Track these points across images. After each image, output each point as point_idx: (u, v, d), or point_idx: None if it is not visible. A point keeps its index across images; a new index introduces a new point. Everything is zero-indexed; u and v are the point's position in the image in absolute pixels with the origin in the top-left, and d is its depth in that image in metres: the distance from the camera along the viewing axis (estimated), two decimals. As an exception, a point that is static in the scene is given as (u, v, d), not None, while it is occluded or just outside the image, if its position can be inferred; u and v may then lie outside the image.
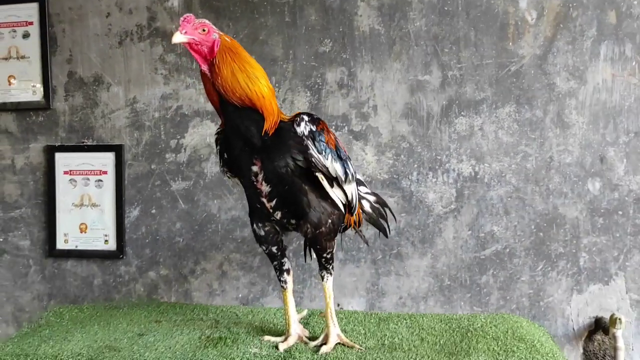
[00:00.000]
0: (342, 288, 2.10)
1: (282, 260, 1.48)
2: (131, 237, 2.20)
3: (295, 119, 1.34)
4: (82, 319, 1.66)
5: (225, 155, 1.45)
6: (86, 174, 2.21)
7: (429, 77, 2.04)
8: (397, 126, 2.07)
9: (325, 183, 1.35)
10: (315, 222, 1.38)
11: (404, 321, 1.63)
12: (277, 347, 1.39)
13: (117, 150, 2.19)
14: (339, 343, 1.44)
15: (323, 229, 1.39)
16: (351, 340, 1.46)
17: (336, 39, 2.07)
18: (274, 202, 1.38)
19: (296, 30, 2.09)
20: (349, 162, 1.42)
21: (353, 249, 2.09)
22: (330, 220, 1.41)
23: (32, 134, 2.25)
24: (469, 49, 2.02)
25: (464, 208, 2.05)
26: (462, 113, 2.03)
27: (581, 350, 2.02)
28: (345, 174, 1.38)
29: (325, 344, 1.42)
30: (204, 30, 1.30)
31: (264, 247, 1.46)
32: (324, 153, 1.32)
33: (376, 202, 1.71)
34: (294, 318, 1.48)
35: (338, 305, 2.10)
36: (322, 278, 1.48)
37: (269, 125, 1.32)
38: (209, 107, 2.14)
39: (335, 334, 1.44)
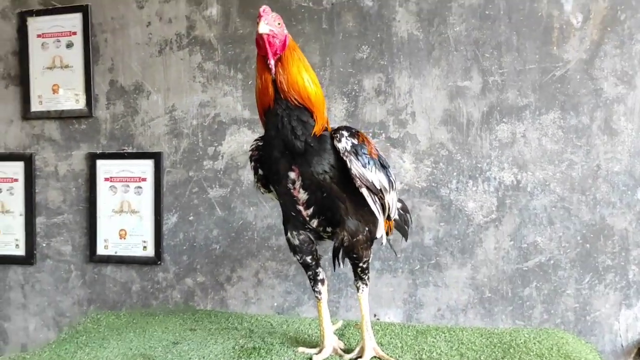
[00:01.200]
0: (379, 298, 2.06)
1: (317, 270, 1.46)
2: (169, 243, 2.22)
3: (335, 135, 1.32)
4: (118, 326, 1.67)
5: (260, 171, 1.45)
6: (126, 181, 2.24)
7: (469, 83, 1.99)
8: (436, 133, 2.02)
9: (369, 199, 1.33)
10: (352, 229, 1.36)
11: (443, 335, 1.57)
12: (311, 359, 1.36)
13: (156, 157, 2.21)
14: (375, 357, 1.40)
15: (360, 236, 1.36)
16: (387, 354, 1.41)
17: (374, 45, 2.05)
18: (311, 209, 1.36)
19: (333, 36, 2.07)
20: (390, 170, 1.39)
21: (390, 258, 2.05)
22: (367, 228, 1.38)
23: (74, 142, 2.30)
24: (511, 53, 1.96)
25: (505, 218, 1.98)
26: (504, 120, 1.97)
27: (631, 369, 1.93)
28: (389, 182, 1.36)
29: (360, 357, 1.38)
30: (279, 24, 1.31)
31: (298, 257, 1.44)
32: (367, 166, 1.30)
33: (402, 208, 1.68)
34: (329, 329, 1.45)
35: (374, 316, 2.06)
36: (358, 289, 1.45)
37: (319, 128, 1.31)
38: (246, 114, 2.14)
39: (371, 347, 1.40)
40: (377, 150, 1.39)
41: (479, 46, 1.98)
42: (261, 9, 1.29)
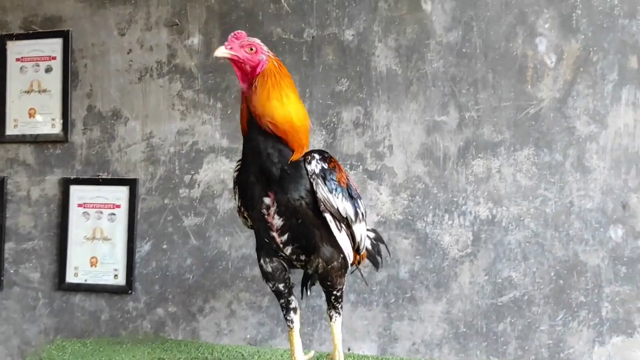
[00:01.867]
0: (353, 332, 2.03)
1: (290, 299, 1.44)
2: (141, 272, 2.18)
3: (306, 157, 1.32)
4: (84, 354, 1.62)
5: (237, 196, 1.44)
6: (99, 207, 2.21)
7: (446, 118, 2.02)
8: (413, 166, 2.04)
9: (332, 225, 1.33)
10: (327, 256, 1.35)
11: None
12: None
13: (132, 184, 2.19)
14: None
15: (335, 263, 1.35)
16: None
17: (353, 79, 2.07)
18: (285, 236, 1.35)
19: (313, 69, 2.10)
20: (359, 201, 1.39)
21: (365, 291, 2.04)
22: (342, 255, 1.37)
23: (48, 167, 2.27)
24: (487, 90, 2.00)
25: (480, 252, 1.99)
26: (480, 155, 2.00)
27: (604, 407, 1.92)
28: (356, 213, 1.35)
29: None
30: (251, 49, 1.31)
31: (271, 285, 1.42)
32: (334, 192, 1.30)
33: (375, 238, 1.68)
34: (301, 359, 1.43)
35: (348, 349, 2.03)
36: (331, 318, 1.43)
37: (297, 156, 1.31)
38: (225, 143, 2.14)
39: None
40: (348, 179, 1.39)
41: (456, 82, 2.02)
42: (232, 33, 1.31)
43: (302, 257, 1.37)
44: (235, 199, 1.46)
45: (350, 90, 2.08)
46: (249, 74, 1.31)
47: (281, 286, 1.42)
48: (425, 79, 2.04)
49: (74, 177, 2.24)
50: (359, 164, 2.06)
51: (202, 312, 2.13)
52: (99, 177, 2.22)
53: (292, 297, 1.45)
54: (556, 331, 1.94)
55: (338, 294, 1.40)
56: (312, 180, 1.29)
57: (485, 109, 2.00)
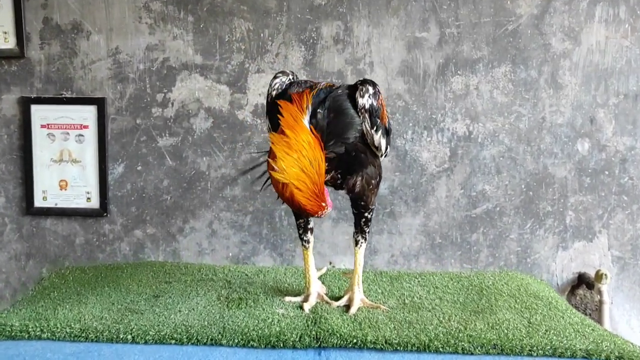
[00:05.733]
0: (335, 246, 2.10)
1: (308, 219, 1.45)
2: (115, 194, 2.12)
3: (361, 87, 1.29)
4: (88, 280, 1.59)
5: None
6: (66, 128, 2.10)
7: (426, 34, 2.01)
8: (393, 84, 2.04)
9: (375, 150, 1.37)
10: (369, 175, 1.35)
11: (416, 279, 1.64)
12: (301, 308, 1.37)
13: (99, 103, 2.08)
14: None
15: (373, 181, 1.37)
16: (373, 301, 1.45)
17: (333, -8, 2.01)
18: (327, 164, 1.28)
19: (291, -19, 2.01)
20: (390, 137, 1.42)
21: (346, 208, 2.08)
22: (379, 174, 1.40)
23: (4, 84, 2.10)
24: (468, 6, 1.99)
25: (457, 167, 2.06)
26: (459, 72, 2.02)
27: (564, 305, 2.10)
28: (386, 148, 1.39)
29: (348, 306, 1.41)
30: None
31: None
32: (375, 128, 1.30)
33: None
34: (314, 276, 1.46)
35: (330, 263, 2.10)
36: (357, 243, 1.45)
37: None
38: (198, 59, 2.05)
39: (359, 298, 1.42)
40: (387, 114, 1.40)
41: (437, -3, 2.00)
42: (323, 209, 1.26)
43: (338, 181, 1.36)
44: (266, 120, 1.41)
45: (330, 4, 2.01)
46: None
47: None
48: (405, -7, 2.00)
49: (35, 96, 2.09)
50: (339, 81, 2.04)
51: (182, 233, 2.13)
52: (63, 95, 2.09)
53: (311, 218, 1.46)
54: (524, 239, 2.08)
55: (369, 215, 1.42)
56: (359, 114, 1.28)
57: (465, 25, 2.00)
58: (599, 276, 1.95)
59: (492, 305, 1.40)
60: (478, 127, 2.04)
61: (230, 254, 2.12)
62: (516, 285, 1.59)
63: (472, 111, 2.04)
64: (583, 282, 2.06)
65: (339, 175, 1.34)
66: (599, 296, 1.98)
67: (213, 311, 1.34)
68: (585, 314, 2.06)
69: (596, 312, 2.06)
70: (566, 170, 2.05)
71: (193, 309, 1.35)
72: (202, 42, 2.05)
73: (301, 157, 1.17)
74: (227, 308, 1.35)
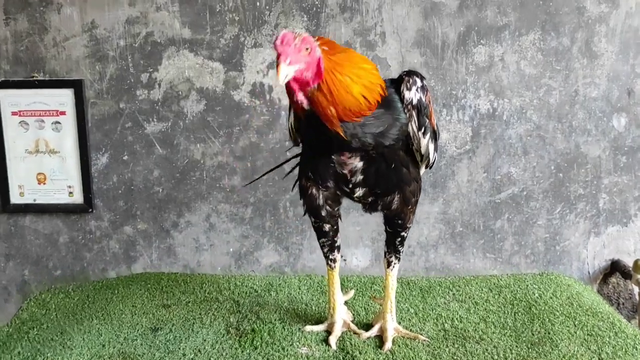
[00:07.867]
0: (346, 238, 1.90)
1: (335, 238, 1.26)
2: (100, 187, 1.90)
3: (407, 79, 1.08)
4: (72, 308, 1.36)
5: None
6: (40, 115, 1.86)
7: (445, -1, 1.77)
8: (408, 57, 1.81)
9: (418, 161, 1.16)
10: (411, 192, 1.16)
11: (450, 291, 1.45)
12: (326, 342, 1.17)
13: (76, 86, 1.84)
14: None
15: (413, 199, 1.18)
16: (410, 330, 1.27)
17: (338, -48, 1.75)
18: (360, 178, 1.12)
19: (290, -61, 1.75)
20: (437, 142, 1.20)
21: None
22: (419, 187, 1.20)
23: (-34, 67, 1.86)
24: (492, -35, 1.75)
25: (479, 148, 1.86)
26: (482, 41, 1.79)
27: (595, 294, 1.95)
28: (434, 157, 1.18)
29: (380, 337, 1.23)
30: (307, 50, 0.97)
31: (319, 222, 1.23)
32: (423, 130, 1.07)
33: None
34: (340, 302, 1.27)
35: (342, 257, 1.91)
36: (389, 264, 1.26)
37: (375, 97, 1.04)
38: (186, 33, 1.81)
39: (392, 327, 1.24)
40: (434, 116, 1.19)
41: (458, -44, 1.75)
42: (278, 39, 0.95)
43: (370, 198, 1.16)
44: (289, 118, 1.20)
45: (335, -33, 1.76)
46: (312, 81, 0.99)
47: (328, 225, 1.23)
48: (421, -48, 1.75)
49: (2, 79, 1.85)
50: (347, 55, 1.80)
51: (177, 228, 1.92)
52: (34, 78, 1.84)
53: (338, 235, 1.27)
54: (553, 225, 1.90)
55: (405, 234, 1.23)
56: (406, 110, 1.06)
57: (489, -13, 1.76)
58: (638, 266, 1.77)
59: (548, 332, 1.22)
60: (503, 104, 1.83)
61: (231, 250, 1.92)
62: (566, 297, 1.40)
63: (497, 85, 1.82)
64: (617, 270, 1.89)
65: (372, 195, 1.14)
66: (638, 288, 1.81)
67: (225, 353, 1.14)
68: (619, 304, 1.91)
69: (629, 301, 1.91)
70: (600, 149, 1.85)
71: (199, 350, 1.14)
72: (190, 13, 1.80)
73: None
74: (239, 346, 1.15)
